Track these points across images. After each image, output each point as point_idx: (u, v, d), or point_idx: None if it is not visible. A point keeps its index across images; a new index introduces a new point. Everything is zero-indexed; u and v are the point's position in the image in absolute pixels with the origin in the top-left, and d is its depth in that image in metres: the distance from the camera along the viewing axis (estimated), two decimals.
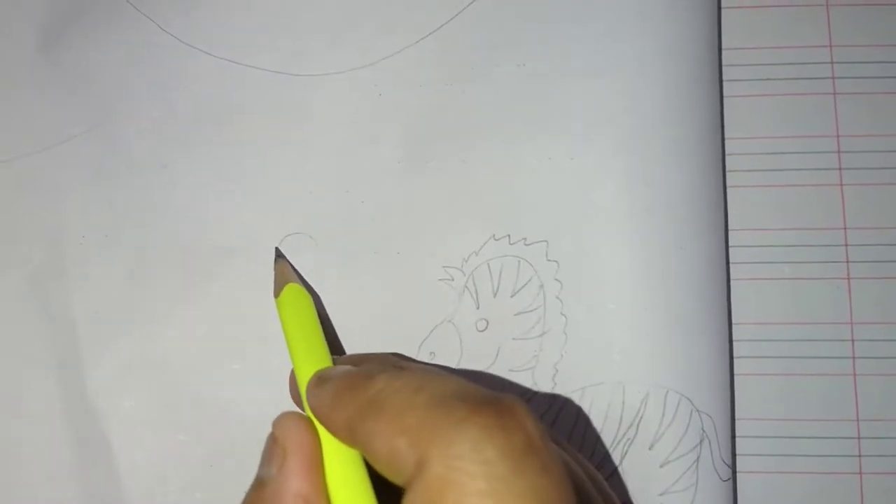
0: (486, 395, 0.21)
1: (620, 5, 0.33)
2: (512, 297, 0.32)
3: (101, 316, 0.33)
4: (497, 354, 0.32)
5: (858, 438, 0.33)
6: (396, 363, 0.29)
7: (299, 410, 0.27)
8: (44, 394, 0.32)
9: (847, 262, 0.34)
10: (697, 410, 0.31)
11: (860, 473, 0.33)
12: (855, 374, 0.33)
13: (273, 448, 0.25)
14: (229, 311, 0.33)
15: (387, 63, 0.34)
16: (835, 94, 0.35)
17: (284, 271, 0.31)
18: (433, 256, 0.33)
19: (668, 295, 0.32)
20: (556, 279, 0.32)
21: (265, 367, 0.32)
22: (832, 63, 0.35)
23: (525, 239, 0.32)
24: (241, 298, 0.33)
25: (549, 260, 0.32)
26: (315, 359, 0.28)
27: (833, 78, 0.35)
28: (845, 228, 0.34)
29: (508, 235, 0.33)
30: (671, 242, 0.32)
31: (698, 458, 0.31)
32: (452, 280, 0.32)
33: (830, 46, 0.35)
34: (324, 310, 0.32)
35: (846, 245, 0.34)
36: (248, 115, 0.34)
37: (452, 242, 0.33)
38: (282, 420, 0.25)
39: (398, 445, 0.21)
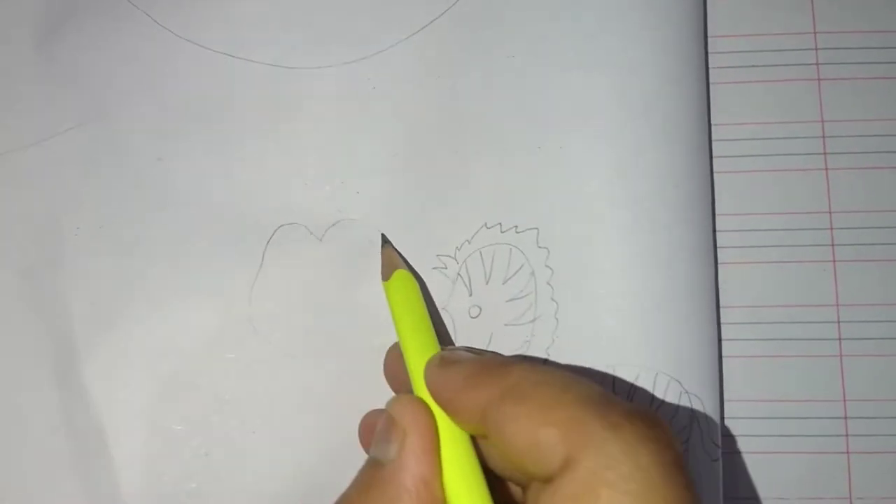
0: (635, 406, 0.22)
1: None
2: (504, 283, 0.33)
3: (96, 307, 0.33)
4: (490, 340, 0.32)
5: (845, 418, 0.33)
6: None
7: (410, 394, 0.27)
8: (39, 385, 0.33)
9: (832, 245, 0.34)
10: (687, 392, 0.31)
11: (847, 453, 0.33)
12: (841, 356, 0.34)
13: (392, 429, 0.25)
14: (224, 301, 0.33)
15: (380, 57, 0.34)
16: (819, 79, 0.35)
17: (392, 257, 0.32)
18: (427, 245, 0.33)
19: (657, 279, 0.32)
20: (546, 266, 0.33)
21: (260, 357, 0.33)
22: (816, 49, 0.35)
23: (516, 227, 0.33)
24: (236, 289, 0.33)
25: (539, 247, 0.33)
26: (424, 343, 0.28)
27: (817, 64, 0.35)
28: (830, 212, 0.34)
29: (500, 223, 0.33)
30: (660, 228, 0.32)
31: (688, 439, 0.31)
32: (446, 268, 0.33)
33: (815, 33, 0.35)
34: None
35: (831, 228, 0.34)
36: (243, 108, 0.34)
37: (445, 231, 0.33)
38: (400, 401, 0.26)
39: (545, 437, 0.21)
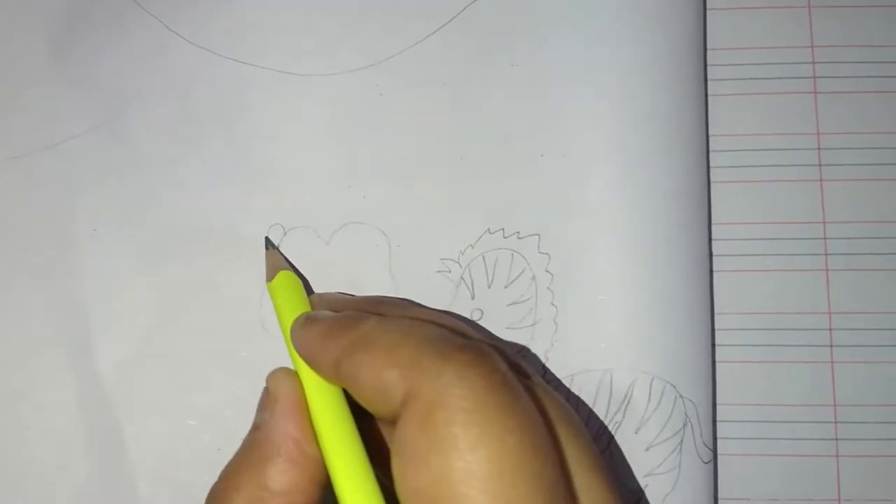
0: (466, 341, 0.24)
1: (611, 8, 0.35)
2: (505, 288, 0.34)
3: (112, 306, 0.34)
4: None
5: (835, 423, 0.34)
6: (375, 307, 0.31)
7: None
8: (57, 383, 0.34)
9: (826, 254, 0.35)
10: (681, 396, 0.32)
11: (837, 456, 0.34)
12: (832, 362, 0.34)
13: (265, 398, 0.28)
14: (237, 301, 0.34)
15: (388, 64, 0.35)
16: (815, 92, 0.36)
17: (275, 259, 0.33)
18: (431, 249, 0.34)
19: (653, 286, 0.33)
20: (547, 271, 0.33)
21: (270, 355, 0.33)
22: (813, 63, 0.36)
23: (518, 232, 0.34)
24: (248, 289, 0.34)
25: (540, 252, 0.34)
26: None
27: (814, 77, 0.36)
28: (824, 222, 0.35)
29: (503, 229, 0.34)
30: (657, 235, 0.33)
31: (682, 441, 0.32)
32: (450, 272, 0.34)
33: (812, 47, 0.36)
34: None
35: (825, 238, 0.35)
36: (252, 113, 0.35)
37: (450, 236, 0.34)
38: (273, 374, 0.28)
39: (388, 377, 0.24)
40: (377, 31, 0.35)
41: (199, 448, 0.33)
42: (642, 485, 0.32)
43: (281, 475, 0.26)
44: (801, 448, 0.34)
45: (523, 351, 0.33)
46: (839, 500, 0.34)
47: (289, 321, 0.30)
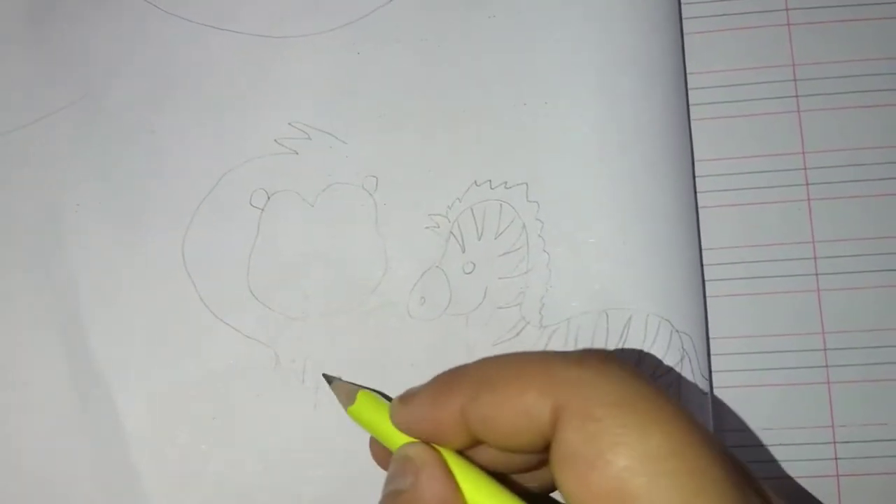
0: (581, 350, 0.24)
1: None
2: (496, 239, 0.34)
3: (100, 280, 0.34)
4: (485, 294, 0.33)
5: (825, 350, 0.35)
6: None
7: None
8: (49, 358, 0.34)
9: (807, 185, 0.35)
10: (677, 331, 0.33)
11: (828, 383, 0.35)
12: (819, 290, 0.35)
13: (405, 464, 0.26)
14: (222, 269, 0.34)
15: (363, 22, 0.35)
16: (789, 23, 0.36)
17: (344, 387, 0.32)
18: (418, 205, 0.34)
19: (642, 225, 0.33)
20: (537, 219, 0.34)
21: (262, 325, 0.33)
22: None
23: (505, 182, 0.34)
24: (232, 256, 0.34)
25: (529, 201, 0.34)
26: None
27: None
28: (804, 153, 0.36)
29: (489, 180, 0.34)
30: (643, 177, 0.34)
31: (680, 374, 0.33)
32: (438, 227, 0.34)
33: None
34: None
35: (805, 168, 0.35)
36: (231, 79, 0.35)
37: (436, 191, 0.34)
38: (411, 445, 0.27)
39: (528, 400, 0.23)
40: None
41: (196, 418, 0.33)
42: None
43: None
44: (792, 377, 0.35)
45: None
46: (833, 426, 0.35)
47: (389, 432, 0.28)
